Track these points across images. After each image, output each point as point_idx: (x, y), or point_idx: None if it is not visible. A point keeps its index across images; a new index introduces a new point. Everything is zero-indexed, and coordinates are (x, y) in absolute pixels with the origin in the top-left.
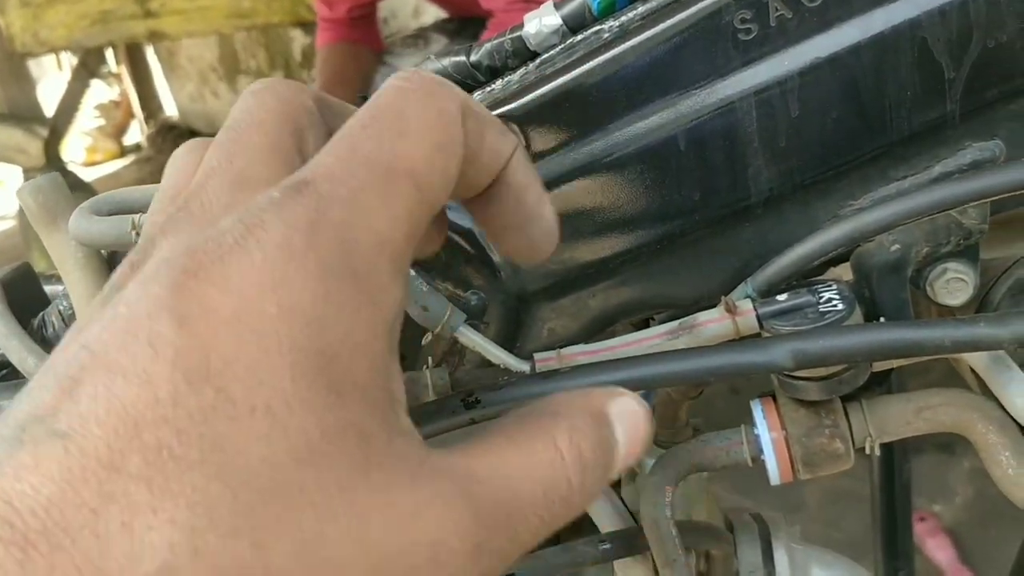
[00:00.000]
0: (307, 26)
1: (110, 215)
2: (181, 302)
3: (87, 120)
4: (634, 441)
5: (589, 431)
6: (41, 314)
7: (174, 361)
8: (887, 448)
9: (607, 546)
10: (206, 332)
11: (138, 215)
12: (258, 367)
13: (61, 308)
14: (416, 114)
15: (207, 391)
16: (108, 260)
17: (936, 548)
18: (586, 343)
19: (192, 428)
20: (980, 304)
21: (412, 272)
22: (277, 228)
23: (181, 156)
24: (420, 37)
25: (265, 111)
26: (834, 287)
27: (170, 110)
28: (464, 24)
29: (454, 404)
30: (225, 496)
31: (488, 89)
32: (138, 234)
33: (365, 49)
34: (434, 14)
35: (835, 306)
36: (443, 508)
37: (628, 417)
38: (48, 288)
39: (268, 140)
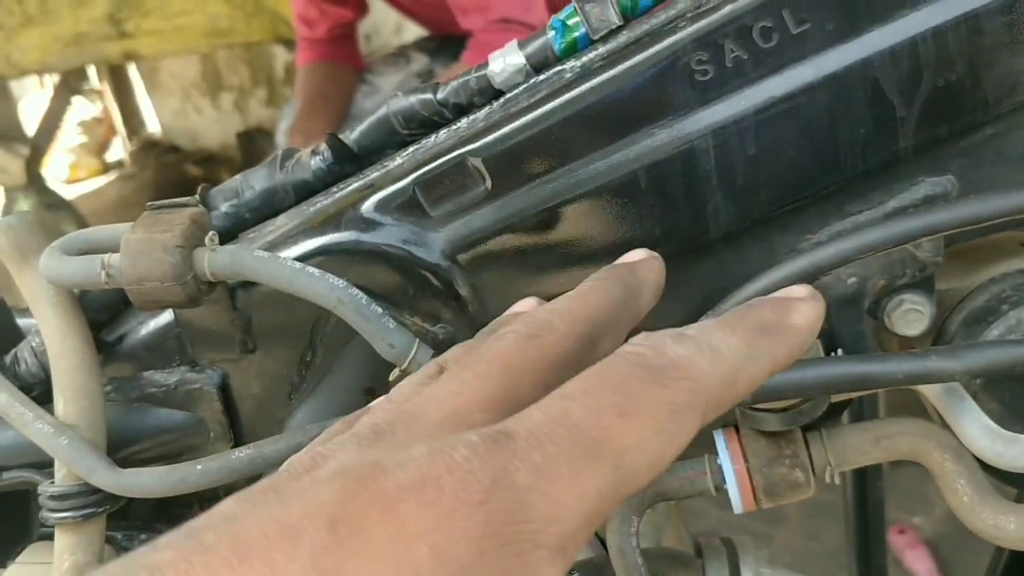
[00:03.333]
0: (289, 43)
1: (80, 254)
2: (341, 509)
3: (70, 137)
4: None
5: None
6: (14, 350)
7: (310, 561)
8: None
9: (575, 575)
10: (352, 545)
11: (107, 255)
12: None
13: (34, 345)
14: (643, 397)
15: None
16: (80, 298)
17: (915, 560)
18: None
19: None
20: (936, 334)
21: (379, 309)
22: (461, 474)
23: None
24: (401, 55)
25: (518, 352)
26: None
27: (153, 127)
28: (444, 42)
29: None
30: None
31: (454, 127)
32: (108, 275)
33: (346, 68)
34: (415, 32)
35: None
36: None
37: None
38: (22, 321)
39: (502, 383)
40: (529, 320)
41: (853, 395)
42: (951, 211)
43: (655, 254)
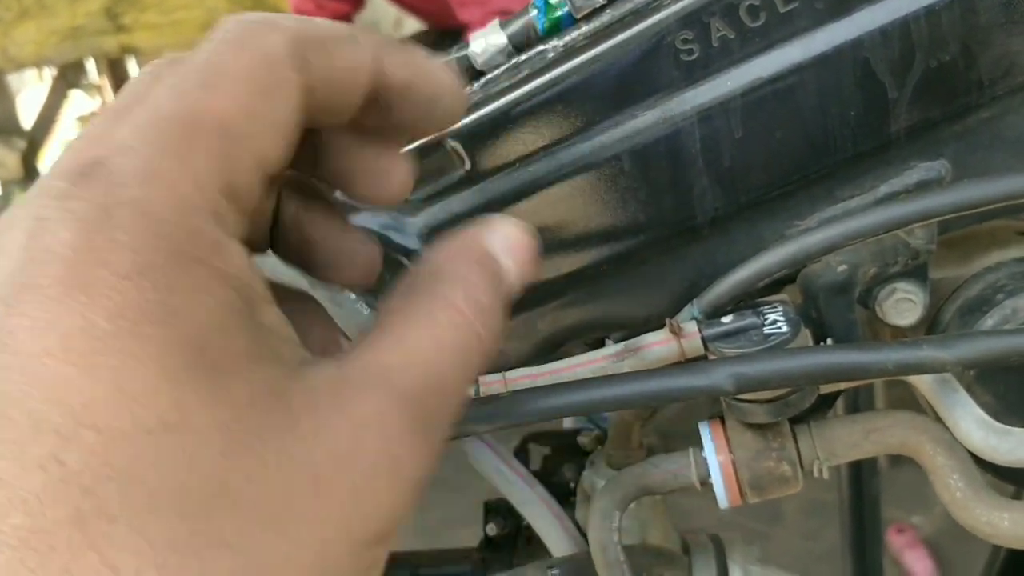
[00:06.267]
0: None
1: None
2: None
3: (69, 131)
4: (523, 262)
5: (479, 279)
6: None
7: None
8: (855, 464)
9: (556, 571)
10: None
11: None
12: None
13: None
14: (229, 62)
15: None
16: None
17: (914, 560)
18: (539, 364)
19: None
20: (930, 324)
21: (352, 295)
22: (64, 227)
23: None
24: None
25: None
26: (779, 309)
27: None
28: (443, 36)
29: None
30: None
31: None
32: None
33: None
34: (415, 26)
35: (780, 328)
36: (379, 419)
37: (511, 242)
38: None
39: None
40: None
41: (842, 386)
42: (945, 196)
43: None
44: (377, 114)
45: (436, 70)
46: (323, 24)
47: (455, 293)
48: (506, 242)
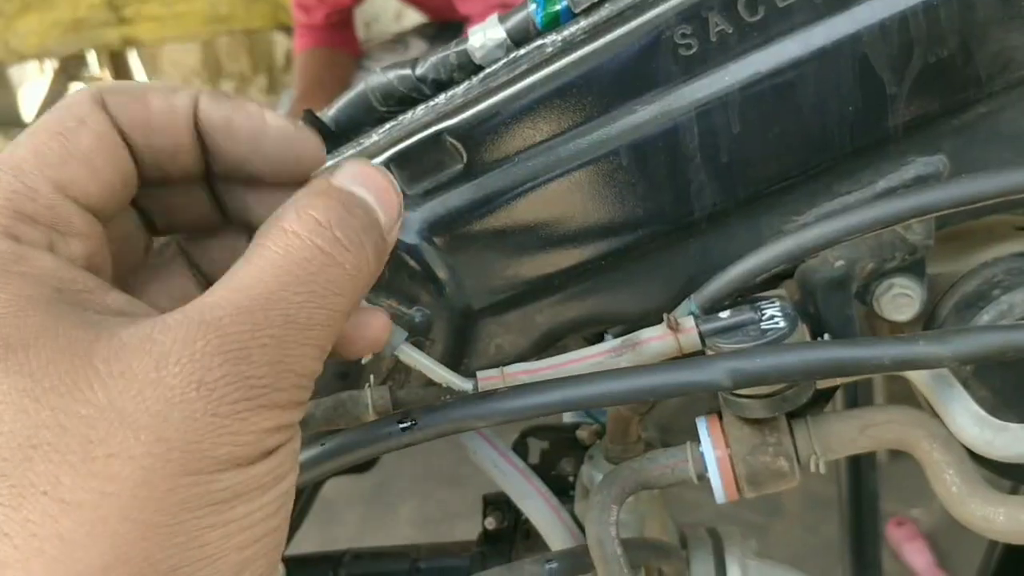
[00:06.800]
0: (290, 30)
1: None
2: None
3: None
4: (378, 188)
5: (318, 201)
6: None
7: None
8: (854, 458)
9: (553, 565)
10: None
11: None
12: None
13: None
14: (41, 119)
15: None
16: None
17: (913, 553)
18: (537, 359)
19: None
20: (927, 320)
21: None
22: None
23: None
24: (399, 41)
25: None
26: (777, 304)
27: None
28: (443, 28)
29: (390, 426)
30: None
31: (432, 103)
32: None
33: (343, 54)
34: (416, 19)
35: (777, 323)
36: (181, 349)
37: (357, 172)
38: None
39: None
40: None
41: (839, 381)
42: (942, 192)
43: None
44: (222, 159)
45: (255, 109)
46: (135, 82)
47: (287, 219)
48: (352, 173)
